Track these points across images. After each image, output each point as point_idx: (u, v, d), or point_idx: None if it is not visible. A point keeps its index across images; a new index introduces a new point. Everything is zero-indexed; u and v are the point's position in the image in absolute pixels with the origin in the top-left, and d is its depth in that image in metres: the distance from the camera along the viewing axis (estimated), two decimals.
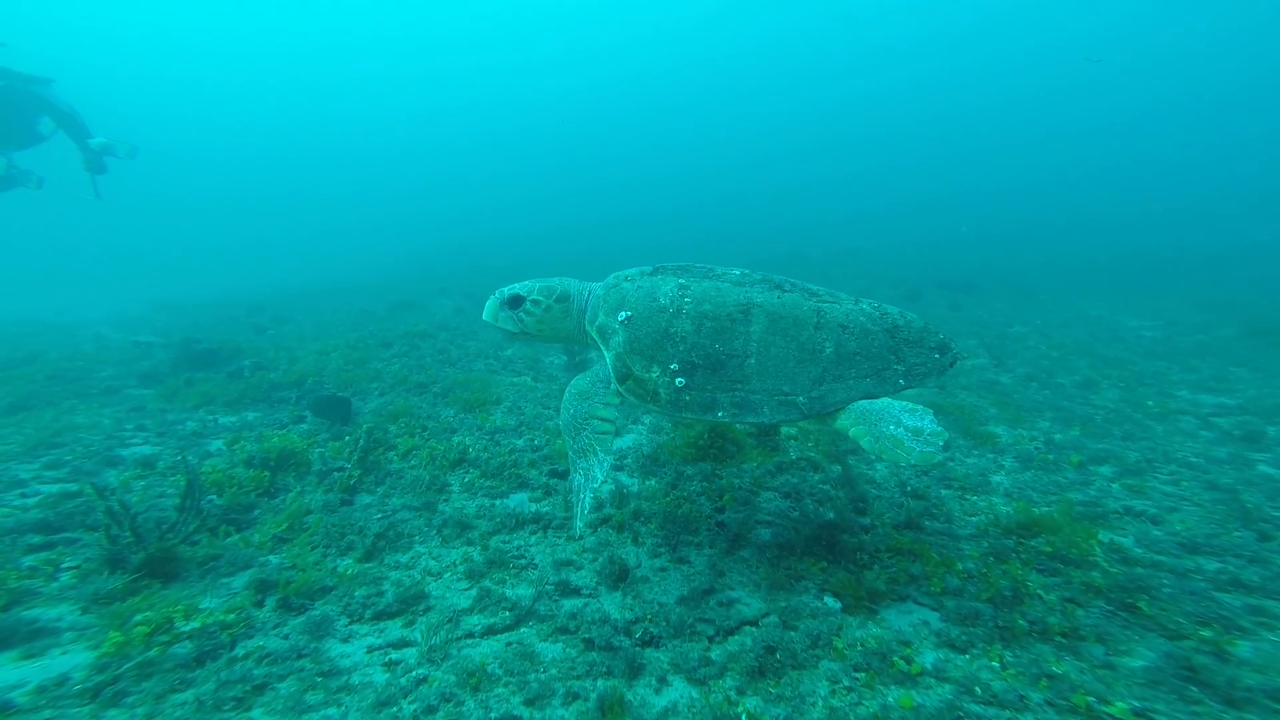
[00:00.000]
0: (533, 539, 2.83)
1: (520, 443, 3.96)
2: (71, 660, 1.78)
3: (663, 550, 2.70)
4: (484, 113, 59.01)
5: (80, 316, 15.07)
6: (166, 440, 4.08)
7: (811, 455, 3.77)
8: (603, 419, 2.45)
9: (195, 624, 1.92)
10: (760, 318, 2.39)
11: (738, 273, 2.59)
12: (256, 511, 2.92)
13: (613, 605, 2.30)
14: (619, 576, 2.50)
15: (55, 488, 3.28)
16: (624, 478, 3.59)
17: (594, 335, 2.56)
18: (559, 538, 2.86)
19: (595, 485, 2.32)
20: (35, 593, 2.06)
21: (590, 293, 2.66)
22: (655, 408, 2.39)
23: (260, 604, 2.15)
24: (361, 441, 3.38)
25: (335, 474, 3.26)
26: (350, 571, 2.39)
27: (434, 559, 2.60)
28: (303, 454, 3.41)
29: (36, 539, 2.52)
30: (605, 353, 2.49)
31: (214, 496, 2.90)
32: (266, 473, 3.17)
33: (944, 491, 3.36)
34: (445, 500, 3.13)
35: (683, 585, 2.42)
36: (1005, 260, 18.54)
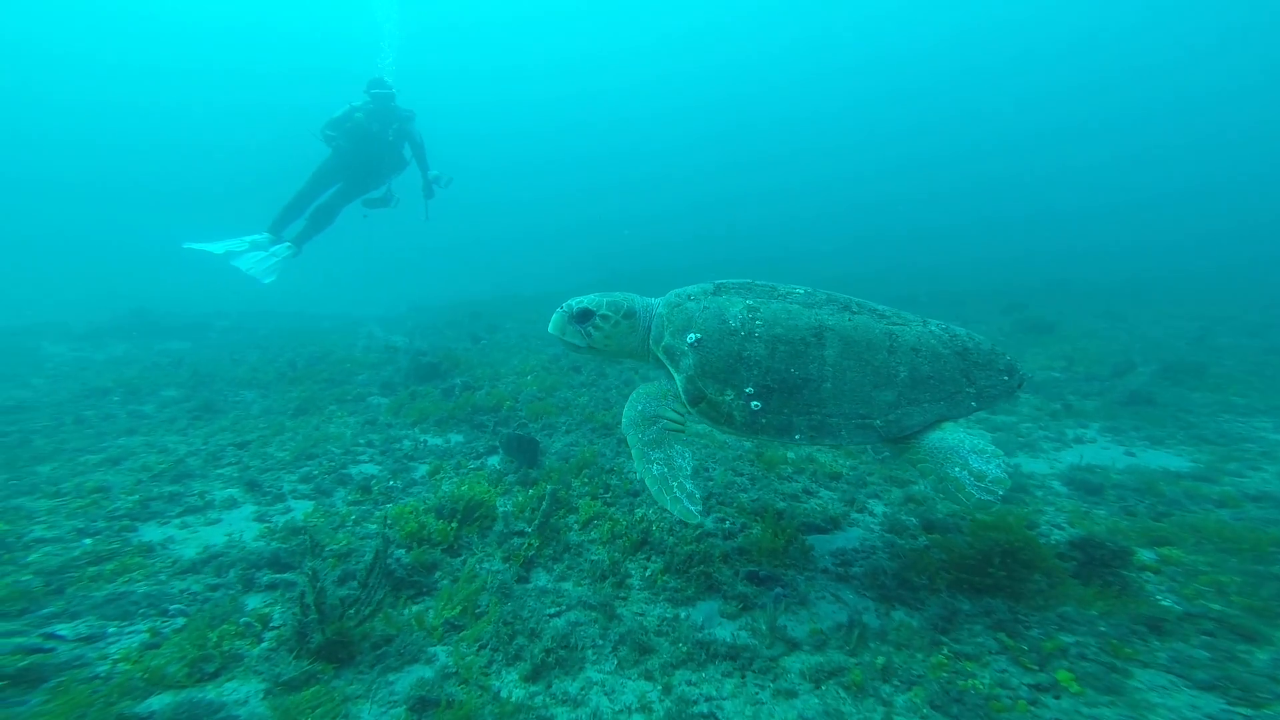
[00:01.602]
0: (727, 684, 2.19)
1: (709, 523, 3.36)
2: None
3: None
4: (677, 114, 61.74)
5: (366, 311, 19.27)
6: (386, 460, 4.49)
7: (1214, 607, 2.42)
8: (672, 419, 2.50)
9: None
10: (834, 341, 2.41)
11: (802, 291, 2.60)
12: (438, 574, 2.83)
13: None
14: None
15: (301, 505, 3.73)
16: (849, 595, 2.74)
17: (660, 355, 2.55)
18: (760, 685, 2.17)
19: (685, 474, 2.31)
20: (239, 658, 2.13)
21: (651, 310, 2.65)
22: (730, 430, 2.45)
23: None
24: (544, 505, 3.14)
25: (515, 539, 3.07)
26: (513, 699, 2.04)
27: (607, 695, 2.12)
28: (489, 505, 3.31)
29: (266, 576, 2.74)
30: (675, 374, 2.50)
31: (402, 552, 2.89)
32: (454, 525, 3.12)
33: None
34: (624, 600, 2.67)
35: None
36: None
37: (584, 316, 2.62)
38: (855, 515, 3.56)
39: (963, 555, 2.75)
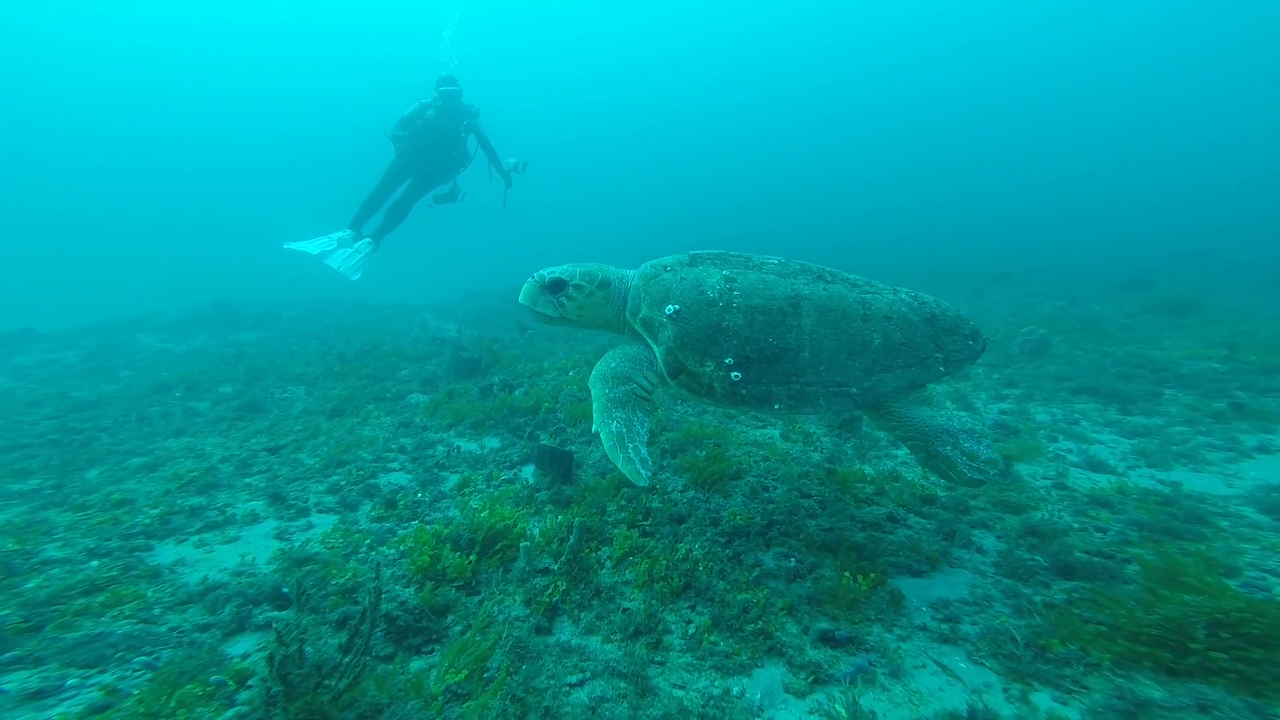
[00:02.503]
0: None
1: (769, 560, 2.83)
2: None
3: None
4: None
5: (423, 299, 19.73)
6: (417, 468, 4.26)
7: None
8: (642, 385, 2.52)
9: None
10: (810, 310, 2.47)
11: (775, 261, 2.68)
12: (451, 617, 2.50)
13: None
14: None
15: (325, 521, 3.55)
16: (960, 664, 2.19)
17: (637, 327, 2.58)
18: None
19: (642, 440, 2.34)
20: None
21: (627, 281, 2.69)
22: (710, 401, 2.49)
23: None
24: (571, 540, 2.74)
25: (539, 578, 2.69)
26: None
27: None
28: (513, 534, 2.95)
29: (264, 614, 2.51)
30: (654, 346, 2.53)
31: (410, 592, 2.58)
32: (473, 558, 2.78)
33: None
34: (661, 665, 2.22)
35: None
36: None
37: (556, 287, 2.64)
38: (958, 553, 2.92)
39: (1137, 620, 2.10)
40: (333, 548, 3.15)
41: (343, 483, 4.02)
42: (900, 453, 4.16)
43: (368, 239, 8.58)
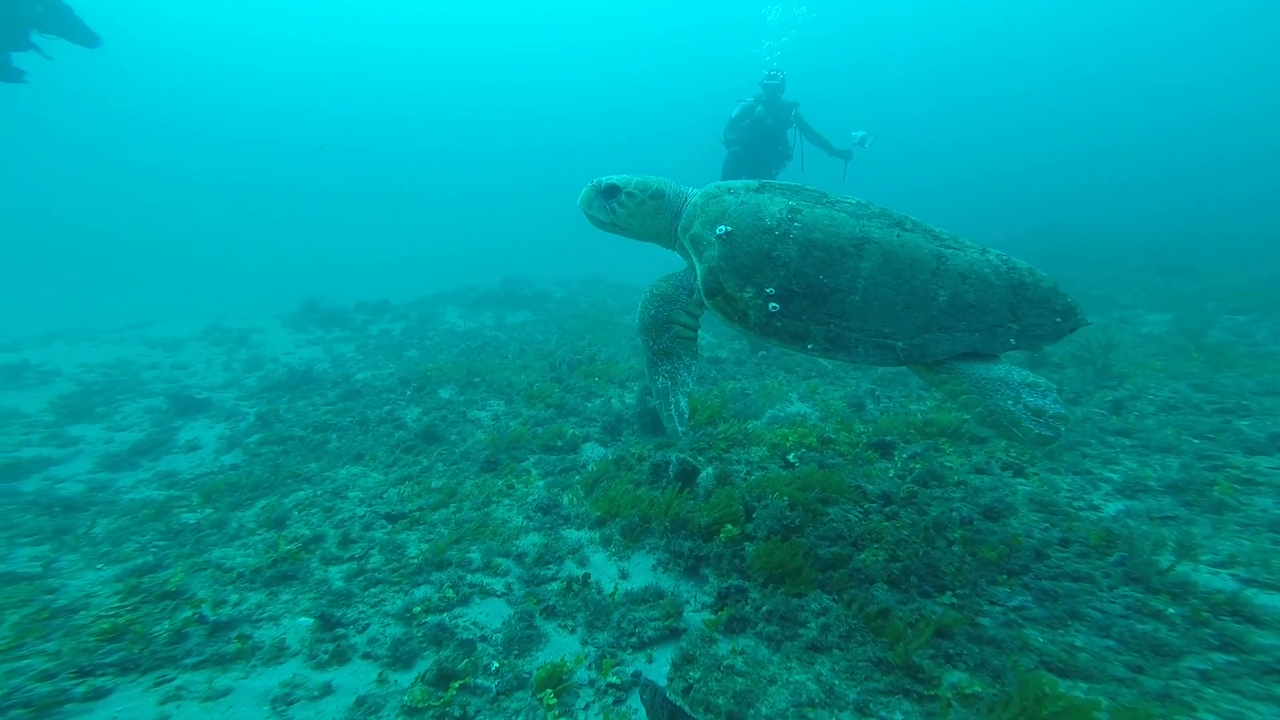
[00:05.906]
0: None
1: None
2: None
3: None
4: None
5: None
6: (520, 603, 2.94)
7: None
8: (685, 325, 2.76)
9: None
10: (874, 255, 2.46)
11: (854, 202, 2.67)
12: None
13: None
14: None
15: (356, 683, 2.49)
16: None
17: (685, 243, 2.73)
18: None
19: (686, 389, 2.68)
20: None
21: (685, 198, 2.84)
22: (742, 329, 2.57)
23: None
24: None
25: None
26: None
27: None
28: None
29: None
30: (696, 264, 2.66)
31: None
32: None
33: None
34: None
35: None
36: None
37: (610, 192, 2.80)
38: None
39: None
40: None
41: (420, 607, 2.97)
42: None
43: None
